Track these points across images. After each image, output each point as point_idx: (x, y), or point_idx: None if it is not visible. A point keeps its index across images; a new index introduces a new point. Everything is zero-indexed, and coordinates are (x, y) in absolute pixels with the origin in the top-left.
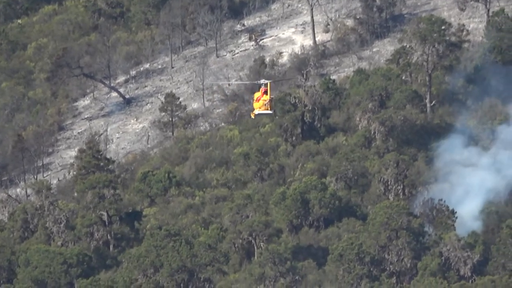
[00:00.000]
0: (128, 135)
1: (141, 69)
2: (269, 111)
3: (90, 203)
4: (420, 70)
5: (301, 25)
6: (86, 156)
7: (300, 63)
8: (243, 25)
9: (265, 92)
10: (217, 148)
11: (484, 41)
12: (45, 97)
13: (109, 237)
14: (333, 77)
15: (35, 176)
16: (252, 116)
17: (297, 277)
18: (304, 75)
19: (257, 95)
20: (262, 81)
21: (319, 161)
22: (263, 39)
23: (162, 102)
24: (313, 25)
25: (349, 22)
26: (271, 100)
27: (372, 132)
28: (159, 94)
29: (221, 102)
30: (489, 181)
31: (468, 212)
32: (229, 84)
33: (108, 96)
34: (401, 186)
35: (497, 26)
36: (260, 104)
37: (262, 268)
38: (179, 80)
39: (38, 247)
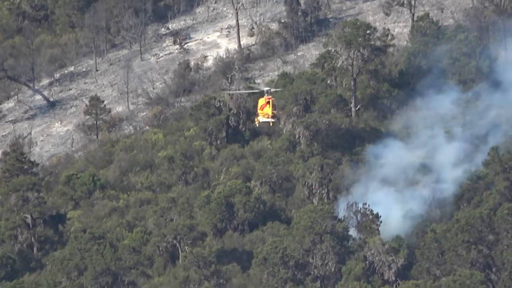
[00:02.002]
0: (53, 138)
1: (66, 72)
2: (273, 120)
3: (14, 206)
4: (345, 74)
5: (226, 29)
6: (10, 159)
7: (225, 66)
8: (168, 28)
9: (269, 102)
10: (142, 152)
11: (408, 45)
12: None
13: (33, 240)
14: (258, 81)
15: None
16: (257, 123)
17: (221, 281)
18: (229, 79)
19: (261, 102)
20: (266, 88)
21: (243, 165)
22: (187, 42)
23: (86, 105)
24: (238, 29)
25: (274, 26)
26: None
27: (297, 136)
28: (84, 97)
29: (146, 106)
30: (413, 184)
31: (392, 216)
32: (236, 92)
33: (32, 99)
34: (326, 190)
35: (422, 30)
36: (264, 113)
37: (187, 271)
38: (103, 83)
39: None
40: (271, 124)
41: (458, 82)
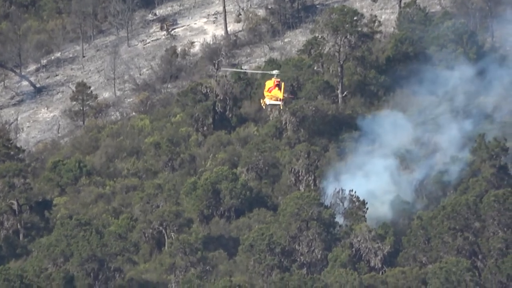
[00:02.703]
0: (39, 124)
1: (52, 58)
2: (280, 102)
3: (0, 192)
4: (332, 60)
5: (213, 15)
6: None
7: (212, 53)
8: (155, 14)
9: (278, 85)
10: (128, 138)
11: (395, 32)
12: None
13: (19, 226)
14: (245, 67)
15: None
16: (263, 105)
17: (207, 267)
18: (216, 65)
19: (269, 84)
20: (275, 72)
21: (230, 151)
22: (174, 28)
23: (73, 91)
24: (225, 15)
25: (261, 12)
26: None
27: (283, 123)
28: (70, 83)
29: (132, 92)
30: (399, 171)
31: (379, 203)
32: (244, 73)
33: (19, 85)
34: (312, 177)
35: (409, 17)
36: (271, 95)
37: (173, 258)
38: (90, 69)
39: None
40: (281, 107)
41: (445, 68)
